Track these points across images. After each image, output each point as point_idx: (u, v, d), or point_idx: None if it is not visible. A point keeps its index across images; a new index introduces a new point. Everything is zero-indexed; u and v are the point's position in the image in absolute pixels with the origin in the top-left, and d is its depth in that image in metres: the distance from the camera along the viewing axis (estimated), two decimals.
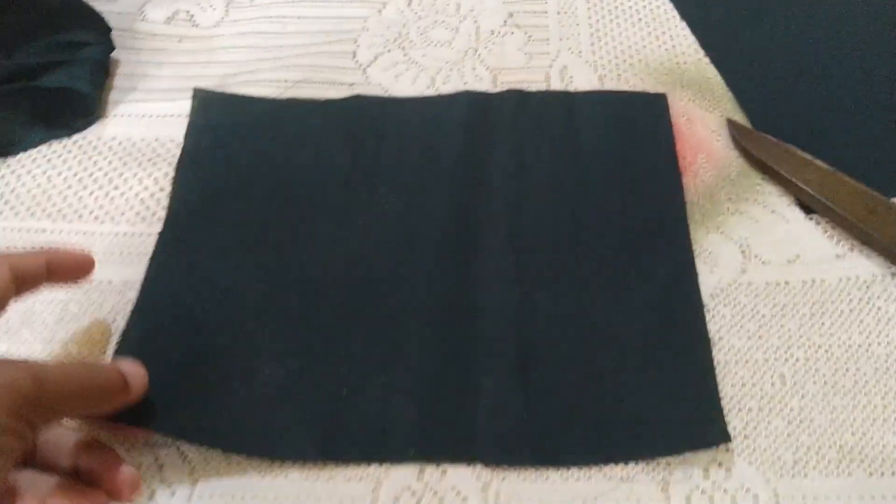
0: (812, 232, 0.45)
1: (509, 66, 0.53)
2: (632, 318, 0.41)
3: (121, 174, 0.48)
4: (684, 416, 0.38)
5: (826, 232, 0.44)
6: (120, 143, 0.49)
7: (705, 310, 0.41)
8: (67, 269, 0.38)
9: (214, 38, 0.55)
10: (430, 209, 0.45)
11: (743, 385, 0.39)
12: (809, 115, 0.50)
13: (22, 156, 0.48)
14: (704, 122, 0.50)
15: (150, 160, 0.48)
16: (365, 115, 0.49)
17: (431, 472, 0.37)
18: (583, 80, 0.52)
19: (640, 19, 0.56)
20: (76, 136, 0.50)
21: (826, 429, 0.38)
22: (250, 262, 0.43)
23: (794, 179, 0.45)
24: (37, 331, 0.41)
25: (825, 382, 0.39)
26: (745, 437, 0.37)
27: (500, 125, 0.49)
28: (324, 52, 0.54)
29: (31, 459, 0.33)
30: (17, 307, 0.41)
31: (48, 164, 0.48)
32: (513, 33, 0.55)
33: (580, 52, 0.53)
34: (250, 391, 0.39)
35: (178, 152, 0.48)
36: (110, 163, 0.48)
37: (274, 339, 0.41)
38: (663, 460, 0.37)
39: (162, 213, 0.46)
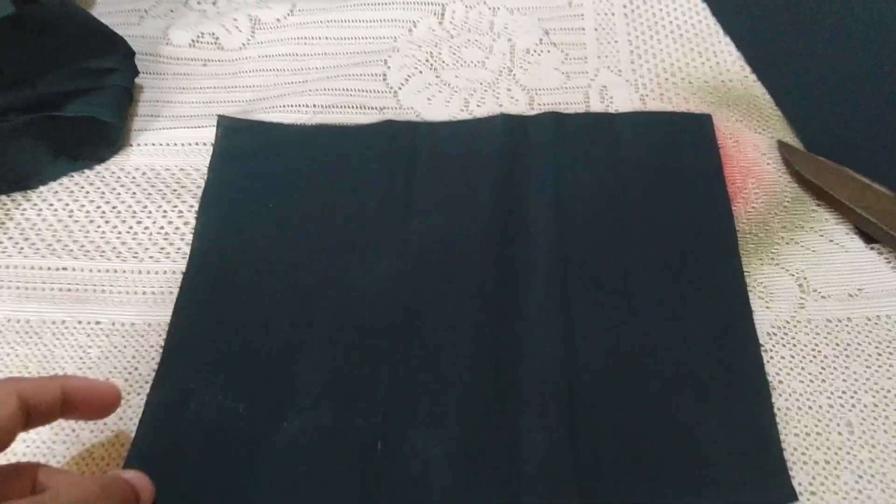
0: (874, 263, 0.42)
1: (546, 87, 0.51)
2: (684, 363, 0.38)
3: (144, 207, 0.46)
4: (745, 469, 0.35)
5: (890, 262, 0.42)
6: (144, 174, 0.48)
7: (762, 350, 0.39)
8: (87, 402, 0.33)
9: (240, 61, 0.54)
10: (467, 244, 0.43)
11: (807, 434, 0.36)
12: (867, 134, 0.47)
13: (43, 189, 0.47)
14: (753, 143, 0.47)
15: (174, 192, 0.47)
16: (397, 142, 0.47)
17: None
18: (624, 101, 0.49)
19: (681, 35, 0.53)
20: (99, 167, 0.48)
21: None
22: (278, 306, 0.41)
23: (852, 206, 0.42)
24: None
25: None
26: (812, 493, 0.35)
27: (538, 150, 0.46)
28: (353, 74, 0.52)
29: None
30: (35, 352, 0.40)
31: (70, 197, 0.47)
32: (549, 52, 0.52)
33: (620, 70, 0.51)
34: (278, 448, 0.37)
35: (202, 182, 0.46)
36: (134, 195, 0.47)
37: (304, 388, 0.39)
38: None
39: (186, 249, 0.44)
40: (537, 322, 0.40)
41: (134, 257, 0.44)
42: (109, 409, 0.35)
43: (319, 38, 0.54)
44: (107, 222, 0.45)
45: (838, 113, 0.48)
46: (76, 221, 0.45)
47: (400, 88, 0.51)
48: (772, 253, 0.42)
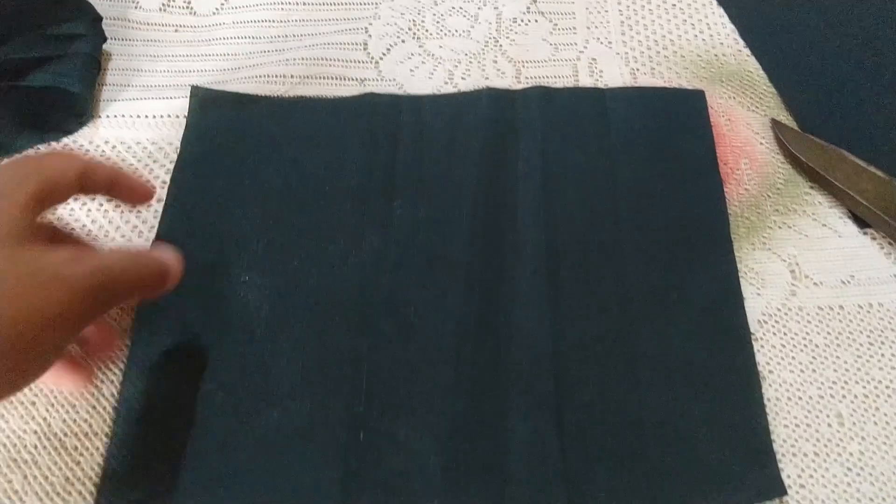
0: (868, 248, 0.41)
1: (534, 59, 0.49)
2: (673, 352, 0.37)
3: None
4: (735, 463, 0.34)
5: (883, 248, 0.41)
6: (113, 148, 0.45)
7: (753, 339, 0.38)
8: (129, 191, 0.36)
9: (213, 27, 0.51)
10: (452, 226, 0.41)
11: (797, 426, 0.36)
12: (863, 114, 0.45)
13: None
14: (746, 122, 0.46)
15: (145, 166, 0.45)
16: (379, 118, 0.45)
17: None
18: (613, 75, 0.48)
19: (673, 5, 0.51)
20: (66, 140, 0.46)
21: (890, 476, 0.34)
22: (254, 290, 0.40)
23: (847, 189, 0.41)
24: None
25: (887, 423, 0.36)
26: (801, 486, 0.34)
27: (526, 127, 0.44)
28: (332, 43, 0.49)
29: None
30: None
31: None
32: (537, 21, 0.50)
33: (610, 42, 0.49)
34: (258, 440, 0.36)
35: (174, 157, 0.44)
36: None
37: (281, 376, 0.37)
38: None
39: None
40: (524, 308, 0.39)
41: (104, 236, 0.42)
42: (142, 202, 0.37)
43: (297, 2, 0.52)
44: (75, 199, 0.43)
45: (834, 91, 0.47)
46: None
47: (381, 58, 0.49)
48: (764, 237, 0.41)
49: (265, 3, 0.52)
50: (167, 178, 0.44)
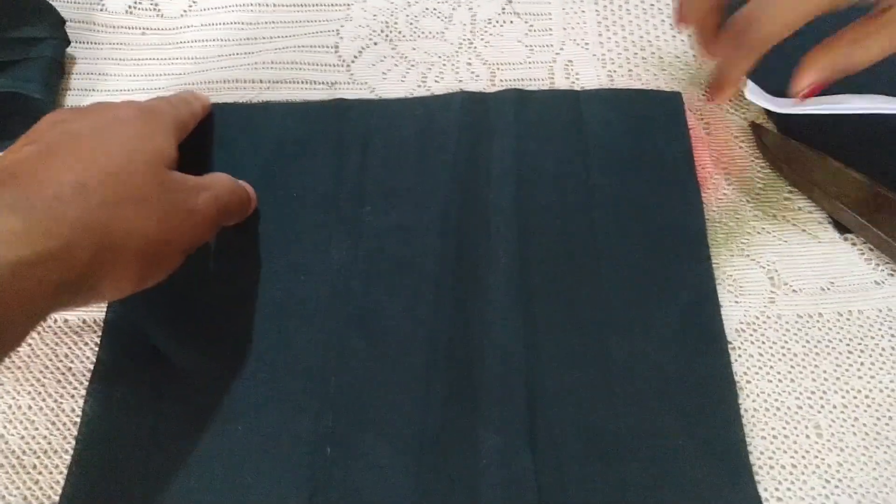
0: (848, 254, 0.40)
1: (508, 61, 0.48)
2: (649, 362, 0.37)
3: None
4: (710, 477, 0.34)
5: (863, 254, 0.40)
6: None
7: (730, 348, 0.37)
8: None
9: (181, 30, 0.50)
10: (423, 233, 0.40)
11: (774, 437, 0.35)
12: (843, 118, 0.44)
13: None
14: (725, 125, 0.45)
15: None
16: (349, 123, 0.44)
17: None
18: (590, 77, 0.47)
19: (651, 6, 0.50)
20: None
21: (869, 489, 0.34)
22: (220, 297, 0.39)
23: (827, 193, 0.41)
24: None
25: (866, 434, 0.35)
26: (778, 499, 0.34)
27: (500, 130, 0.43)
28: (303, 46, 0.48)
29: None
30: None
31: None
32: (512, 22, 0.49)
33: (587, 43, 0.48)
34: (223, 455, 0.35)
35: None
36: None
37: (246, 390, 0.36)
38: None
39: None
40: (496, 318, 0.38)
41: None
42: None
43: (267, 4, 0.50)
44: None
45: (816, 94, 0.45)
46: None
47: (353, 61, 0.48)
48: (742, 244, 0.40)
49: (234, 5, 0.51)
50: None
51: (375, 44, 0.48)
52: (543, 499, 0.33)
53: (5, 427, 0.36)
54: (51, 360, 0.38)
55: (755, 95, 0.42)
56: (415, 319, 0.38)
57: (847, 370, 0.37)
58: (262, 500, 0.34)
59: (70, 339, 0.38)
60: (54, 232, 0.28)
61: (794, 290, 0.39)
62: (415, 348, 0.37)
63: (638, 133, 0.44)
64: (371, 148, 0.43)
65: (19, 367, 0.38)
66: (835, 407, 0.36)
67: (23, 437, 0.36)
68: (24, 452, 0.36)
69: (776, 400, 0.36)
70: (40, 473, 0.35)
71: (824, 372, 0.37)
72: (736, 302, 0.39)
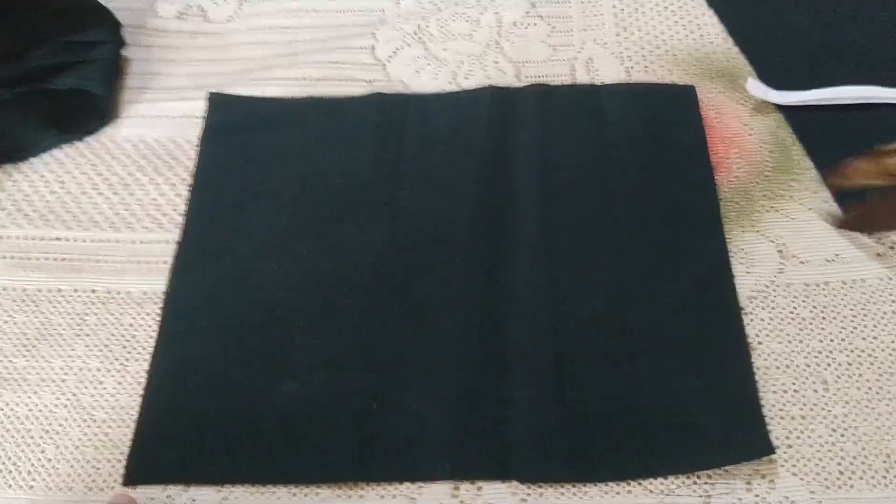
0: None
1: (533, 59, 0.51)
2: (668, 324, 0.40)
3: (136, 178, 0.46)
4: (725, 426, 0.36)
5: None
6: (134, 146, 0.48)
7: (743, 313, 0.40)
8: None
9: (228, 33, 0.54)
10: (456, 212, 0.44)
11: (785, 392, 0.38)
12: (849, 112, 0.48)
13: (35, 161, 0.47)
14: (736, 115, 0.48)
15: (165, 163, 0.47)
16: (386, 115, 0.48)
17: (467, 488, 0.36)
18: (609, 73, 0.50)
19: (666, 7, 0.54)
20: (90, 139, 0.48)
21: (872, 437, 0.36)
22: (271, 274, 0.42)
23: None
24: (55, 344, 0.40)
25: (870, 388, 0.38)
26: (789, 446, 0.36)
27: (526, 121, 0.47)
28: (341, 47, 0.52)
29: None
30: (33, 320, 0.41)
31: (62, 168, 0.47)
32: (536, 24, 0.53)
33: (605, 42, 0.52)
34: (277, 411, 0.38)
35: (193, 154, 0.47)
36: (125, 167, 0.47)
37: (299, 352, 0.40)
38: (704, 473, 0.35)
39: (179, 219, 0.44)
40: (524, 287, 0.41)
41: (128, 227, 0.44)
42: None
43: (307, 9, 0.55)
44: (99, 193, 0.46)
45: (820, 84, 0.49)
46: (69, 192, 0.46)
47: (388, 61, 0.51)
48: (753, 220, 0.44)
49: (277, 11, 0.55)
50: (186, 174, 0.46)
51: (409, 45, 0.52)
52: (570, 446, 0.36)
53: (77, 387, 0.39)
54: (116, 328, 0.41)
55: (757, 90, 0.46)
56: (449, 289, 0.41)
57: (852, 332, 0.39)
58: (312, 450, 0.37)
59: (133, 309, 0.42)
60: None
61: (801, 262, 0.42)
62: (450, 314, 0.40)
63: (655, 123, 0.47)
64: (407, 137, 0.47)
65: (87, 335, 0.41)
66: (840, 364, 0.39)
67: (93, 396, 0.39)
68: (93, 408, 0.39)
69: (786, 359, 0.39)
70: (110, 427, 0.38)
71: (830, 334, 0.40)
72: (747, 272, 0.42)
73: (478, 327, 0.40)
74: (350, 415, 0.38)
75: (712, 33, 0.52)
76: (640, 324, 0.40)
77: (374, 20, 0.54)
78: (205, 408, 0.38)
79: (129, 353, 0.41)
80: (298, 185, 0.45)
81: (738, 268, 0.42)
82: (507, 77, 0.50)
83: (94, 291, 0.42)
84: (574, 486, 0.36)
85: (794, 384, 0.38)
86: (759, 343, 0.39)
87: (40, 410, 0.39)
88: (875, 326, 0.40)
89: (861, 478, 0.35)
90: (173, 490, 0.36)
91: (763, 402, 0.37)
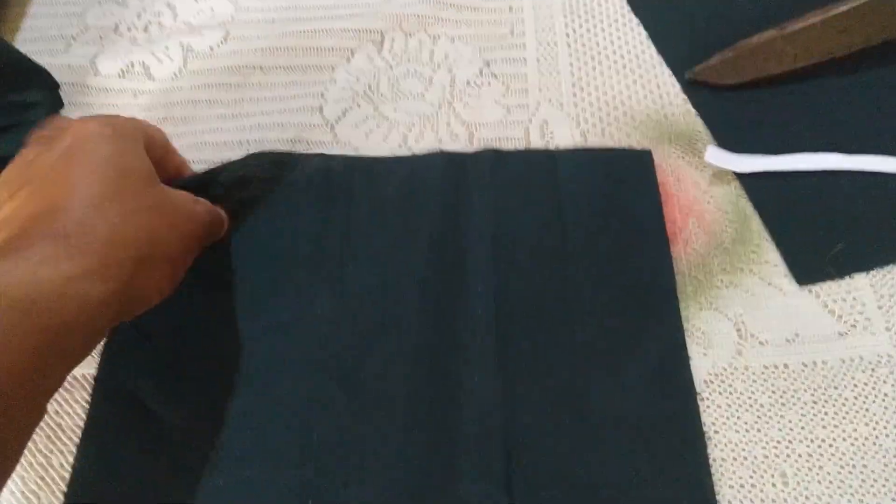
0: (811, 306, 0.42)
1: (486, 121, 0.50)
2: (621, 412, 0.38)
3: None
4: None
5: (827, 307, 0.41)
6: None
7: (699, 398, 0.38)
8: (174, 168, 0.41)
9: (172, 91, 0.52)
10: (404, 290, 0.42)
11: (742, 486, 0.36)
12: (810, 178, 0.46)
13: None
14: (694, 181, 0.47)
15: None
16: (332, 179, 0.46)
17: None
18: (564, 136, 0.49)
19: (623, 66, 0.52)
20: None
21: None
22: (208, 350, 0.40)
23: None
24: None
25: (830, 482, 0.36)
26: None
27: (478, 191, 0.45)
28: (289, 108, 0.50)
29: None
30: None
31: None
32: (490, 84, 0.51)
33: (561, 104, 0.50)
34: None
35: None
36: None
37: (230, 442, 0.37)
38: None
39: None
40: (473, 373, 0.39)
41: None
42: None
43: (254, 67, 0.53)
44: None
45: (777, 148, 0.47)
46: None
47: (337, 122, 0.50)
48: (711, 297, 0.42)
49: (222, 68, 0.53)
50: None
51: (359, 105, 0.50)
52: None
53: None
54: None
55: (716, 158, 0.45)
56: (395, 375, 0.39)
57: (812, 419, 0.38)
58: None
59: (60, 395, 0.39)
60: (88, 251, 0.30)
61: (760, 343, 0.40)
62: (395, 402, 0.38)
63: (610, 192, 0.45)
64: (354, 206, 0.45)
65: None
66: (800, 456, 0.37)
67: (13, 493, 0.37)
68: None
69: (743, 449, 0.37)
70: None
71: (790, 421, 0.38)
72: (704, 354, 0.40)
73: (424, 416, 0.38)
74: None
75: (671, 93, 0.51)
76: (593, 411, 0.38)
77: (324, 79, 0.52)
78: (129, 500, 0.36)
79: (54, 443, 0.38)
80: (239, 255, 0.43)
81: (694, 349, 0.40)
82: (459, 140, 0.49)
83: None
84: None
85: (751, 478, 0.36)
86: (716, 432, 0.38)
87: None
88: (836, 414, 0.38)
89: None
90: None
91: (720, 499, 0.36)
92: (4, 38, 0.51)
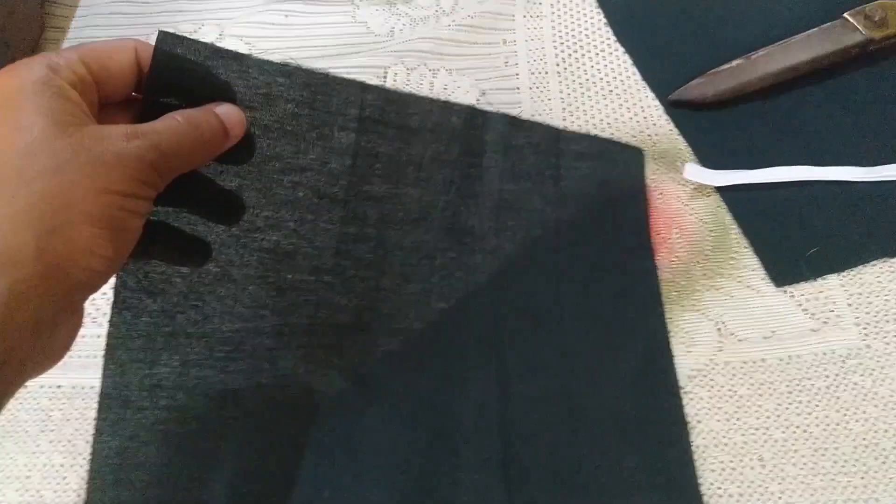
0: (787, 306, 0.45)
1: None
2: (610, 406, 0.41)
3: None
4: None
5: (801, 305, 0.45)
6: None
7: (682, 392, 0.42)
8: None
9: None
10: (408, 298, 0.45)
11: (723, 470, 0.39)
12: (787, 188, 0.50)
13: None
14: (677, 195, 0.50)
15: None
16: (342, 102, 0.41)
17: None
18: None
19: (610, 91, 0.56)
20: None
21: None
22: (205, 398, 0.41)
23: None
24: (20, 441, 0.42)
25: (805, 464, 0.39)
26: None
27: (492, 150, 0.48)
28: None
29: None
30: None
31: None
32: None
33: None
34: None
35: None
36: None
37: (223, 467, 0.40)
38: None
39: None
40: (471, 370, 0.43)
41: (93, 322, 0.46)
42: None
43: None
44: None
45: (753, 162, 0.51)
46: None
47: None
48: (693, 300, 0.45)
49: None
50: None
51: None
52: None
53: (41, 483, 0.41)
54: (80, 423, 0.43)
55: (693, 174, 0.48)
56: (401, 377, 0.43)
57: (787, 408, 0.41)
58: None
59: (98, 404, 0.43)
60: None
61: (739, 340, 0.44)
62: (401, 401, 0.42)
63: (605, 179, 0.50)
64: (387, 140, 0.44)
65: (52, 430, 0.42)
66: (776, 441, 0.40)
67: (55, 492, 0.40)
68: None
69: (724, 437, 0.40)
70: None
71: (767, 411, 0.41)
72: (688, 351, 0.43)
73: (428, 412, 0.42)
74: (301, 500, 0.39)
75: (655, 115, 0.55)
76: (584, 406, 0.41)
77: None
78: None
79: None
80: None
81: (677, 347, 0.44)
82: None
83: (59, 387, 0.44)
84: None
85: (731, 462, 0.40)
86: (699, 422, 0.41)
87: None
88: (810, 402, 0.41)
89: None
90: None
91: (701, 481, 0.39)
92: None
